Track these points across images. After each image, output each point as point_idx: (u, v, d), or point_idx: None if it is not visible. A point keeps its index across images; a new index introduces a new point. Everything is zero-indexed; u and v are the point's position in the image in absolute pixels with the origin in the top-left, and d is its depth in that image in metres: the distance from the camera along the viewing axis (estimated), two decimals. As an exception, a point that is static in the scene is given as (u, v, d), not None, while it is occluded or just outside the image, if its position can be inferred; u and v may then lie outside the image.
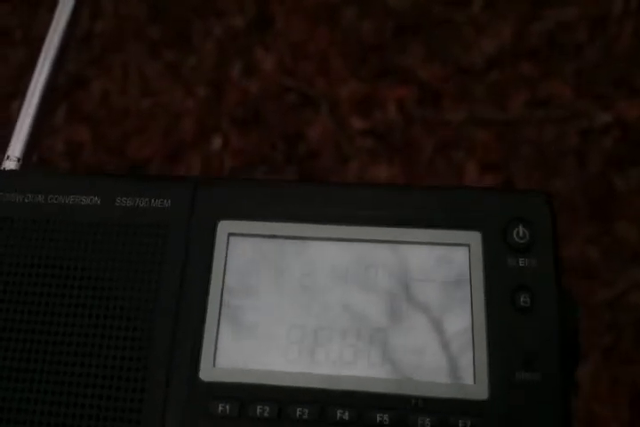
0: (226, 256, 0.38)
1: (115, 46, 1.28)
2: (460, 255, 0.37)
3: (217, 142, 1.19)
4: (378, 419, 0.35)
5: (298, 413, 0.35)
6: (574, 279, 1.03)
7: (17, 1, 1.31)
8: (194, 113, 1.22)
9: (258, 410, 0.35)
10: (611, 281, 1.04)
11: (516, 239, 0.37)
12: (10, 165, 0.46)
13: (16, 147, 0.47)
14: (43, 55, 0.50)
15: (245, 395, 0.35)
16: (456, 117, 1.18)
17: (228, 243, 0.38)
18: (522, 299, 0.36)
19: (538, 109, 1.17)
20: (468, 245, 0.37)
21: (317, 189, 0.40)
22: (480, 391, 0.35)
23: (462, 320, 0.36)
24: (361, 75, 1.22)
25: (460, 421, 0.34)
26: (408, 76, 1.22)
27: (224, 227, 0.38)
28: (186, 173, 1.17)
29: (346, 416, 0.35)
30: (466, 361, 0.35)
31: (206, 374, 0.36)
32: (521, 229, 0.37)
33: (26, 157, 0.47)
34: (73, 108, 1.23)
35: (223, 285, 0.37)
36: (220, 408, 0.35)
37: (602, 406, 0.97)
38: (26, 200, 0.40)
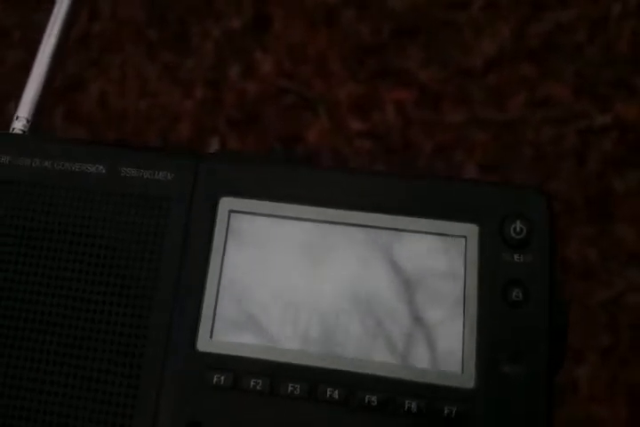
0: (226, 232, 0.38)
1: (113, 48, 1.28)
2: (456, 247, 0.38)
3: (215, 144, 1.19)
4: (366, 399, 0.35)
5: (290, 388, 0.36)
6: (572, 280, 1.03)
7: (15, 1, 1.31)
8: (192, 115, 1.22)
9: (251, 383, 0.36)
10: (608, 282, 1.04)
11: (513, 235, 0.37)
12: (18, 125, 0.46)
13: (25, 107, 0.47)
14: (55, 11, 0.49)
15: (240, 367, 0.36)
16: (455, 119, 1.18)
17: (229, 219, 0.39)
18: (514, 293, 0.36)
19: (537, 110, 1.17)
20: (465, 237, 0.38)
21: (321, 173, 0.40)
22: (466, 380, 0.36)
23: (454, 310, 0.37)
24: (359, 77, 1.22)
25: (446, 407, 0.35)
26: (407, 78, 1.22)
27: (225, 204, 0.39)
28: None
29: (335, 395, 0.36)
30: (455, 350, 0.36)
31: (203, 345, 0.37)
32: (518, 224, 0.38)
33: (35, 119, 0.47)
34: (70, 109, 1.23)
35: (223, 260, 0.38)
36: (215, 379, 0.36)
37: (600, 407, 0.97)
38: (33, 165, 0.40)
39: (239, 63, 1.25)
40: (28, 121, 0.46)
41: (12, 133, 0.46)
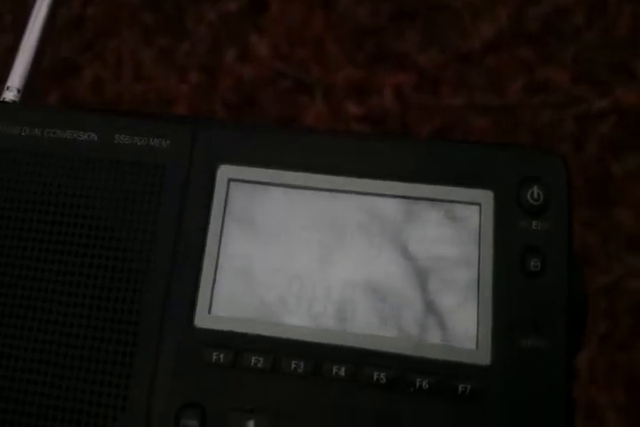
0: (225, 202, 0.37)
1: (107, 32, 1.27)
2: (471, 214, 0.36)
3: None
4: (375, 377, 0.34)
5: (293, 366, 0.34)
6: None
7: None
8: (188, 99, 1.21)
9: (252, 360, 0.34)
10: (607, 267, 1.03)
11: (530, 201, 0.36)
12: (9, 95, 0.45)
13: (15, 78, 0.46)
14: None
15: (240, 344, 0.35)
16: (453, 103, 1.17)
17: (227, 188, 0.37)
18: (532, 263, 0.35)
19: (535, 95, 1.17)
20: (479, 204, 0.36)
21: (323, 138, 0.38)
22: (482, 356, 0.34)
23: (468, 282, 0.35)
24: (357, 60, 1.21)
25: (461, 385, 0.34)
26: (405, 62, 1.21)
27: (224, 171, 0.37)
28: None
29: (342, 372, 0.34)
30: (469, 324, 0.34)
31: (201, 320, 0.35)
32: (535, 190, 0.36)
33: (25, 89, 0.46)
34: (65, 94, 1.23)
35: (221, 230, 0.36)
36: (215, 356, 0.35)
37: (599, 392, 0.97)
38: (23, 133, 0.39)
39: (235, 47, 1.24)
40: (18, 91, 0.45)
41: (1, 102, 0.45)
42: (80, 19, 1.27)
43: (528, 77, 1.18)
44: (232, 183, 0.37)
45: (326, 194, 0.37)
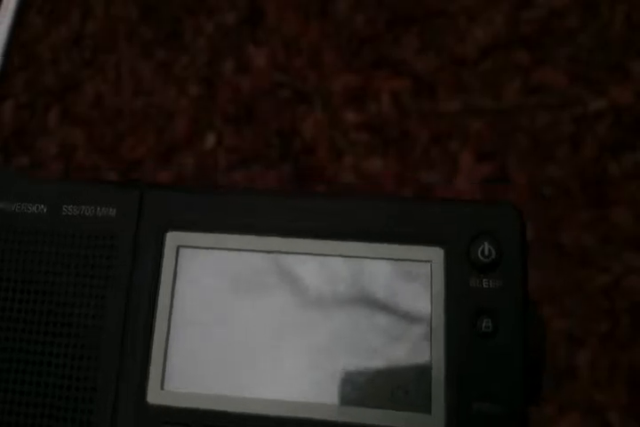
0: (175, 270, 0.35)
1: (107, 47, 1.29)
2: (421, 273, 0.34)
3: (211, 140, 1.19)
4: None
5: None
6: (570, 266, 1.03)
7: None
8: (187, 112, 1.22)
9: None
10: (606, 267, 1.04)
11: (481, 258, 0.34)
12: None
13: None
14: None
15: (195, 421, 0.33)
16: (451, 108, 1.18)
17: (177, 255, 0.35)
18: (484, 323, 0.33)
19: (531, 97, 1.17)
20: (430, 263, 0.34)
21: (272, 199, 0.37)
22: (436, 422, 0.32)
23: (419, 345, 0.33)
24: (354, 67, 1.22)
25: None
26: (402, 68, 1.22)
27: (172, 238, 0.36)
28: (179, 171, 1.17)
29: None
30: (422, 389, 0.33)
31: (154, 397, 0.34)
32: (487, 246, 0.34)
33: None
34: (66, 110, 1.24)
35: (172, 301, 0.35)
36: None
37: (600, 392, 0.97)
38: None
39: (233, 58, 1.25)
40: None
41: None
42: (79, 35, 1.29)
43: (524, 80, 1.19)
44: (181, 250, 0.36)
45: (277, 256, 0.35)
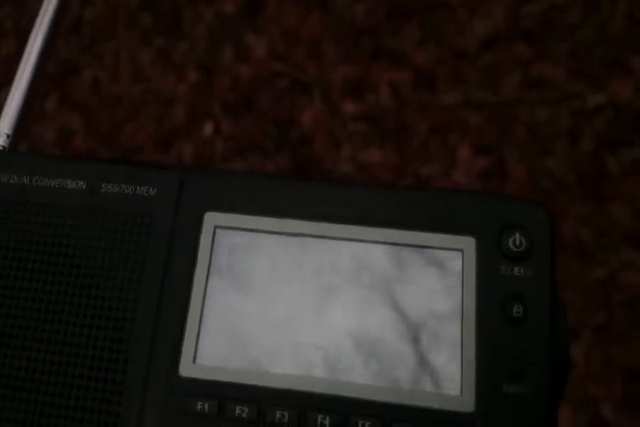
0: (211, 249, 0.37)
1: (106, 34, 1.28)
2: (453, 261, 0.36)
3: (208, 128, 1.19)
4: (359, 426, 0.34)
5: (278, 415, 0.34)
6: (567, 259, 1.03)
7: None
8: (185, 99, 1.22)
9: (237, 410, 0.34)
10: (603, 261, 1.04)
11: (512, 247, 0.36)
12: None
13: (5, 123, 0.46)
14: (36, 26, 0.49)
15: (225, 394, 0.34)
16: (449, 100, 1.18)
17: (213, 235, 0.37)
18: (514, 309, 0.35)
19: (531, 91, 1.17)
20: (462, 251, 0.36)
21: (308, 185, 0.38)
22: (466, 403, 0.34)
23: (451, 328, 0.35)
24: (354, 58, 1.22)
25: None
26: (401, 60, 1.21)
27: (210, 219, 0.37)
28: (177, 159, 1.17)
29: (326, 422, 0.34)
30: (453, 371, 0.34)
31: (186, 370, 0.35)
32: (518, 237, 0.36)
33: (15, 134, 0.46)
34: (64, 96, 1.23)
35: (207, 279, 0.36)
36: (199, 406, 0.34)
37: (595, 385, 0.97)
38: (11, 181, 0.39)
39: (232, 47, 1.25)
40: (8, 136, 0.46)
41: None
42: (78, 21, 1.28)
43: (524, 74, 1.19)
44: (218, 230, 0.37)
45: (312, 240, 0.37)
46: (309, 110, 1.19)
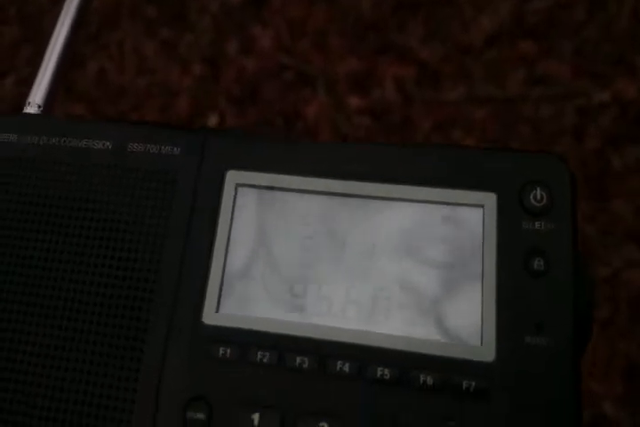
0: (233, 206, 0.38)
1: (111, 25, 1.28)
2: (474, 216, 0.36)
3: (213, 120, 1.19)
4: (378, 373, 0.34)
5: (298, 361, 0.35)
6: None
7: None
8: (190, 91, 1.22)
9: (258, 355, 0.35)
10: (607, 258, 1.04)
11: (533, 202, 0.36)
12: (30, 110, 0.47)
13: (37, 94, 0.48)
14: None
15: (246, 340, 0.35)
16: (454, 96, 1.18)
17: (235, 193, 0.38)
18: (536, 262, 0.35)
19: (536, 88, 1.17)
20: (483, 206, 0.36)
21: (328, 145, 0.39)
22: (486, 353, 0.34)
23: (472, 281, 0.35)
24: (359, 52, 1.22)
25: (465, 381, 0.34)
26: (407, 55, 1.21)
27: (232, 177, 0.38)
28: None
29: (346, 368, 0.34)
30: (474, 322, 0.35)
31: (209, 317, 0.36)
32: (538, 191, 0.36)
33: (46, 104, 0.48)
34: (69, 86, 1.23)
35: (229, 233, 0.38)
36: (221, 352, 0.35)
37: (597, 381, 0.98)
38: (41, 142, 0.41)
39: (238, 39, 1.24)
40: (39, 106, 0.47)
41: (20, 113, 0.46)
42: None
43: (528, 70, 1.19)
44: (239, 188, 0.38)
45: (331, 198, 0.38)
46: (314, 103, 1.18)
